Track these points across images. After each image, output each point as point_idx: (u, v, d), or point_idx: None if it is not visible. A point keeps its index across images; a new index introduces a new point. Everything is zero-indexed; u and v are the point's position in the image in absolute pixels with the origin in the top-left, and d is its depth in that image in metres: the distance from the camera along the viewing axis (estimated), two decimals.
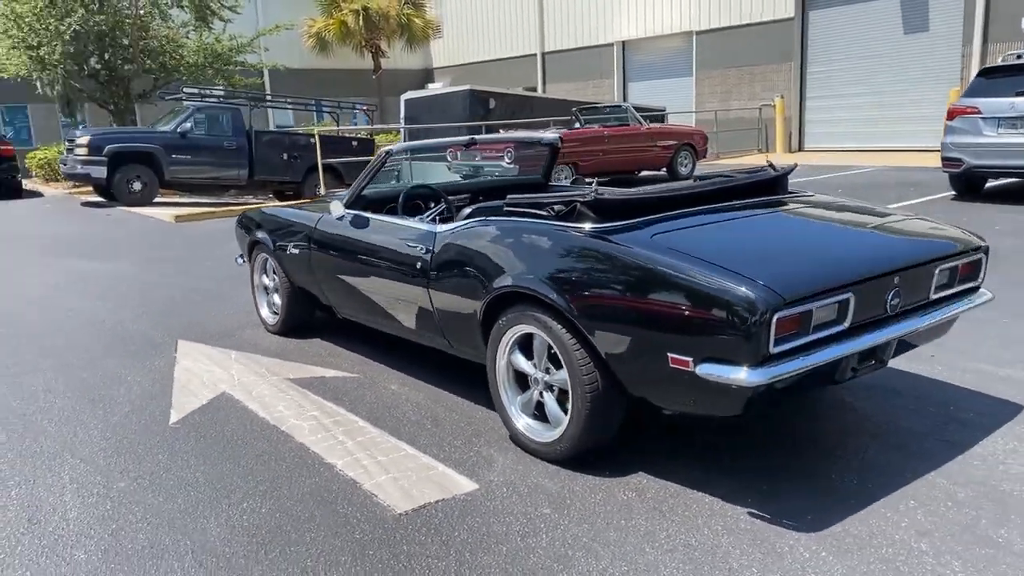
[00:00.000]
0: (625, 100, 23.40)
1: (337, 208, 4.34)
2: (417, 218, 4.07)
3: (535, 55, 25.87)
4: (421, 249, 3.76)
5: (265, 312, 5.39)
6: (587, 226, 3.08)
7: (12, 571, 2.56)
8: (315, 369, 4.52)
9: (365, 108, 17.03)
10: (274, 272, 5.17)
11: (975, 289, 3.42)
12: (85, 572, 2.54)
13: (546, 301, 3.04)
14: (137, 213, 13.11)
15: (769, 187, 3.82)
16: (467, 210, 3.94)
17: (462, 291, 3.50)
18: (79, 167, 13.76)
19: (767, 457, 3.22)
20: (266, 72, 25.96)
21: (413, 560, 2.56)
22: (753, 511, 2.80)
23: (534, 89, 25.92)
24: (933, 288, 3.15)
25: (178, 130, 14.34)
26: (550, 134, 5.24)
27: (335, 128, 16.91)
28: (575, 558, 2.54)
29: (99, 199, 15.09)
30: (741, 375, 2.52)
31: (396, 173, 6.20)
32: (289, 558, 2.59)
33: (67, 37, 16.57)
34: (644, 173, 15.02)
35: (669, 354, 2.70)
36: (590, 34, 24.09)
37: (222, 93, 15.54)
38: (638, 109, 18.93)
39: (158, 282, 7.27)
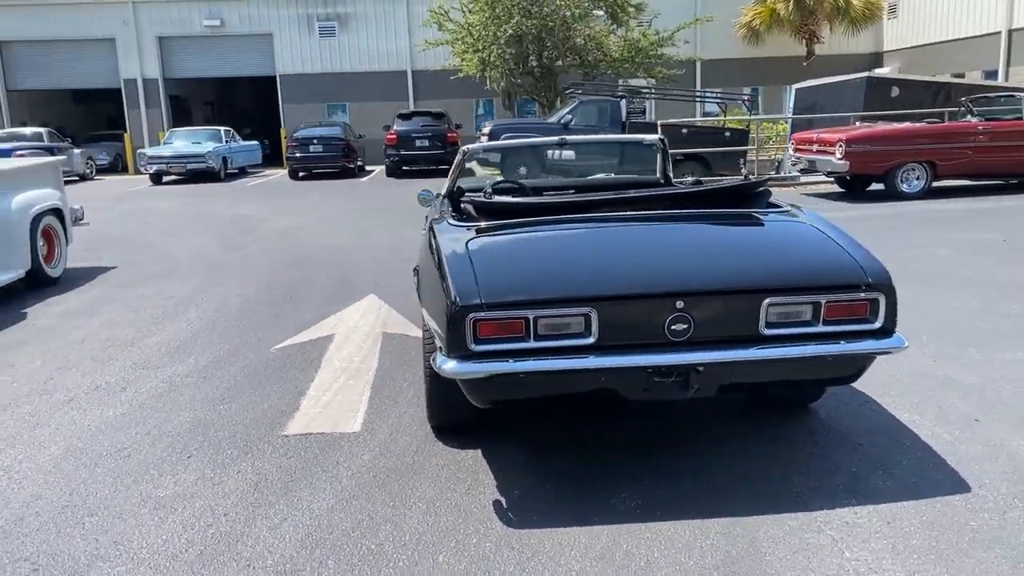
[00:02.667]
0: None
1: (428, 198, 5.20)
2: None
3: (999, 33, 22.06)
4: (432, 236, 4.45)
5: None
6: (471, 225, 3.47)
7: (76, 410, 4.08)
8: (412, 329, 5.44)
9: (746, 98, 16.86)
10: None
11: (880, 332, 2.89)
12: (99, 422, 3.93)
13: None
14: None
15: (737, 196, 3.61)
16: None
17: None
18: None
19: (606, 469, 3.25)
20: (698, 64, 26.80)
21: (240, 462, 3.40)
22: (510, 513, 2.94)
23: (995, 75, 22.21)
24: (764, 322, 2.82)
25: (561, 121, 16.16)
26: (652, 135, 5.28)
27: (700, 119, 17.13)
28: (323, 490, 3.12)
29: None
30: (447, 366, 2.81)
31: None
32: (192, 441, 3.64)
33: (503, 41, 19.62)
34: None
35: (437, 342, 3.06)
36: None
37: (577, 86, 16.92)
38: None
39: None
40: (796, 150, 12.45)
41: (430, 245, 3.47)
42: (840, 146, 10.95)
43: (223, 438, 3.68)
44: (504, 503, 2.99)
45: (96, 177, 23.54)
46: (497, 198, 3.55)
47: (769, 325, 2.84)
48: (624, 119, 16.26)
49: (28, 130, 22.66)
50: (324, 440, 3.62)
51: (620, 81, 23.23)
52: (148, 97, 26.27)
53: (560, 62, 21.32)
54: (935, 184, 11.43)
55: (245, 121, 31.59)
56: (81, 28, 25.72)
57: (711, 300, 2.81)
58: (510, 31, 19.63)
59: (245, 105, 34.48)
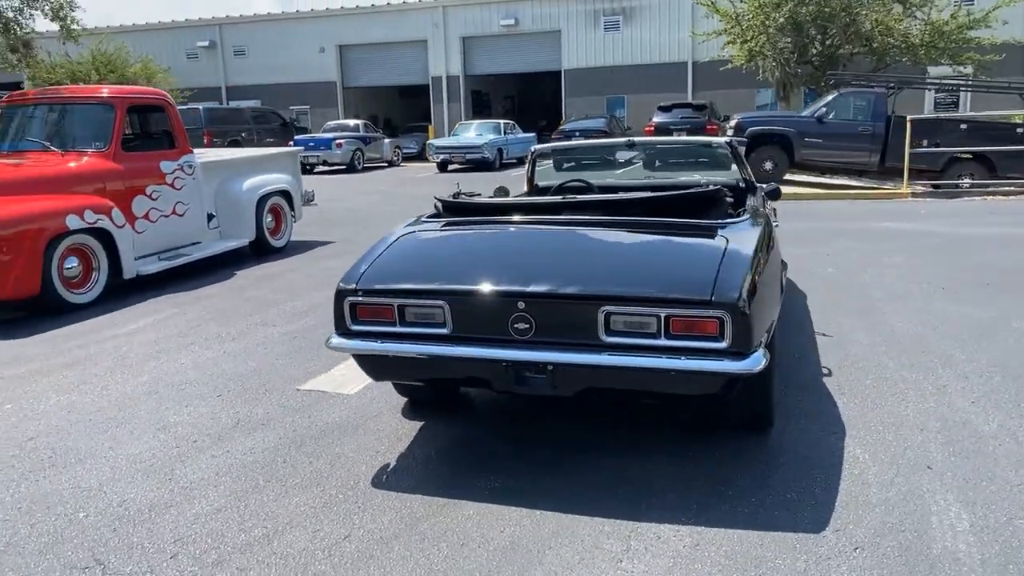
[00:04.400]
0: None
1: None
2: None
3: None
4: None
5: None
6: (436, 221, 3.87)
7: (187, 352, 5.17)
8: None
9: None
10: None
11: (729, 353, 2.77)
12: (192, 363, 4.96)
13: None
14: None
15: (693, 204, 3.55)
16: None
17: None
18: None
19: (511, 458, 3.49)
20: None
21: (246, 404, 4.16)
22: (387, 476, 3.36)
23: None
24: (603, 329, 2.86)
25: (815, 115, 15.14)
26: (719, 139, 5.10)
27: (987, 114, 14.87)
28: (276, 433, 3.75)
29: None
30: (331, 341, 3.28)
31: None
32: (233, 384, 4.49)
33: (771, 30, 18.75)
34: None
35: None
36: None
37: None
38: None
39: None
40: None
41: None
42: None
43: (255, 385, 4.49)
44: (391, 466, 3.38)
45: (402, 164, 26.71)
46: (463, 198, 3.87)
47: (612, 333, 2.88)
48: (890, 112, 14.76)
49: (351, 121, 26.48)
50: (320, 397, 4.26)
51: (929, 71, 20.98)
52: (450, 92, 29.19)
53: (843, 50, 19.78)
54: None
55: (541, 114, 33.67)
56: (401, 31, 29.33)
57: (548, 303, 2.92)
58: (781, 19, 18.69)
59: (545, 99, 36.65)
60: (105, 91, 7.51)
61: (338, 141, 23.55)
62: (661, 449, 3.44)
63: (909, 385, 4.07)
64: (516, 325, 2.96)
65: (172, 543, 2.81)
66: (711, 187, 3.66)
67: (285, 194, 9.34)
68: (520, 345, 2.97)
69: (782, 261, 5.11)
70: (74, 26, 10.81)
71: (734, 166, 5.20)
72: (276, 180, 9.18)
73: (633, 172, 5.93)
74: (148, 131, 7.89)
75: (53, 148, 7.06)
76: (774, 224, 5.52)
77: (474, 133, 23.34)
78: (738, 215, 3.54)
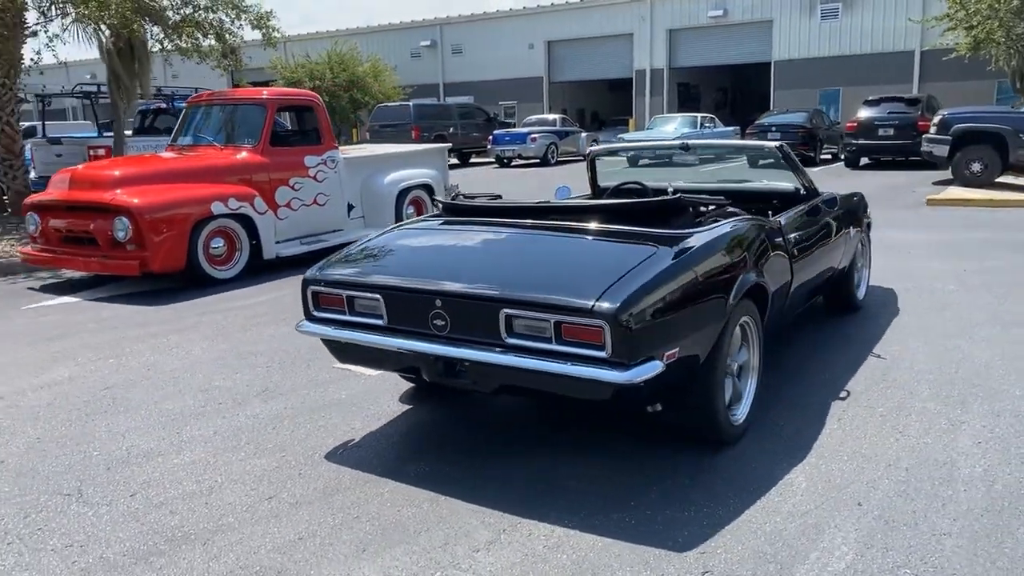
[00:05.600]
0: None
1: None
2: None
3: None
4: None
5: None
6: (434, 219, 4.14)
7: (270, 326, 5.84)
8: None
9: None
10: None
11: (612, 362, 2.76)
12: (268, 336, 5.60)
13: None
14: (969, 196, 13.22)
15: (657, 213, 3.51)
16: None
17: None
18: (925, 144, 14.55)
19: (465, 446, 3.70)
20: None
21: (283, 375, 4.68)
22: (343, 450, 3.70)
23: None
24: (505, 329, 2.96)
25: None
26: (770, 143, 4.83)
27: None
28: (288, 401, 4.21)
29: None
30: (300, 326, 3.65)
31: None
32: (287, 357, 5.04)
33: (1001, 14, 16.67)
34: None
35: None
36: None
37: None
38: None
39: None
40: None
41: None
42: None
43: (302, 359, 5.00)
44: (352, 442, 3.69)
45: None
46: (464, 200, 4.07)
47: (513, 335, 2.98)
48: None
49: (550, 116, 27.12)
50: (346, 374, 4.66)
51: None
52: (653, 85, 28.91)
53: None
54: None
55: (757, 106, 32.26)
56: (607, 26, 29.49)
57: (458, 303, 3.06)
58: (1017, 1, 16.55)
59: (761, 91, 35.07)
60: (264, 93, 8.51)
61: (532, 136, 24.29)
62: (613, 453, 3.45)
63: (922, 418, 3.70)
64: (435, 321, 3.15)
65: (140, 484, 3.34)
66: (675, 195, 3.58)
67: (427, 187, 9.97)
68: (440, 340, 3.16)
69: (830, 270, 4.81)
70: (275, 34, 12.22)
71: (787, 170, 4.93)
72: (419, 175, 9.83)
73: (692, 174, 5.79)
74: (301, 128, 8.82)
75: (215, 143, 8.17)
76: (849, 233, 5.16)
77: (672, 127, 22.97)
78: (702, 225, 3.43)
